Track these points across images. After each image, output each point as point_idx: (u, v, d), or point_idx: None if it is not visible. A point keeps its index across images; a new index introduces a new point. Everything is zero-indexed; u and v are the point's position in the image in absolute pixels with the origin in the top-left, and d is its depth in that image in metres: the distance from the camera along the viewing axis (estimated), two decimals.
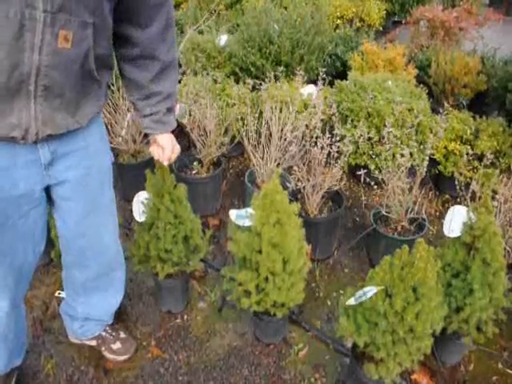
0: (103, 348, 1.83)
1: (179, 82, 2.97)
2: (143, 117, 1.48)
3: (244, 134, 2.39)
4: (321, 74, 2.64)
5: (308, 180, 2.22)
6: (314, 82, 2.84)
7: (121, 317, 2.00)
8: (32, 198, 1.31)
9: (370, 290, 1.39)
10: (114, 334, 1.85)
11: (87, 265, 1.58)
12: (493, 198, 1.92)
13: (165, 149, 1.52)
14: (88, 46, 1.15)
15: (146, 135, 2.67)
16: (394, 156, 2.21)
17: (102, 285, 1.67)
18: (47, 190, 1.37)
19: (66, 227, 1.47)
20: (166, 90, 1.44)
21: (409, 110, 2.60)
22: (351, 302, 1.45)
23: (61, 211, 1.44)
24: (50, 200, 1.42)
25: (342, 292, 2.13)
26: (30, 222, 1.35)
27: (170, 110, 1.49)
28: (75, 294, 1.70)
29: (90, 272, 1.61)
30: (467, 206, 1.77)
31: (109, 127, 2.57)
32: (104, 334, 1.83)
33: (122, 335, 1.86)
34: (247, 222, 1.66)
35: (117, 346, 1.83)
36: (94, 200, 1.46)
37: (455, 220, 1.67)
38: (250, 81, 2.76)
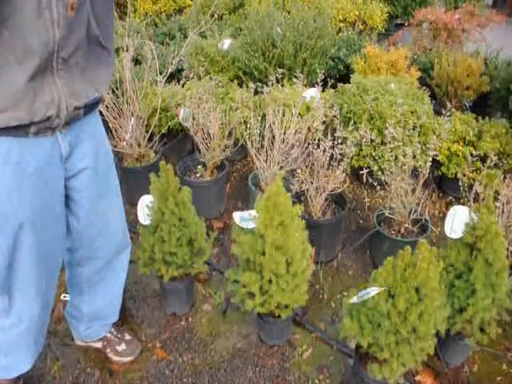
0: (108, 350, 1.84)
1: (182, 86, 3.00)
2: None
3: (247, 137, 2.40)
4: (320, 76, 2.65)
5: (311, 182, 2.23)
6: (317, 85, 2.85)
7: (126, 319, 2.02)
8: (60, 197, 1.36)
9: (373, 290, 1.40)
10: (119, 335, 1.86)
11: (96, 256, 1.61)
12: (496, 199, 1.92)
13: None
14: (87, 10, 1.19)
15: (150, 139, 2.70)
16: (396, 158, 2.22)
17: (105, 274, 1.69)
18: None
19: (77, 220, 1.50)
20: None
21: (411, 112, 2.60)
22: (354, 300, 1.46)
23: (73, 204, 1.46)
24: None
25: (345, 294, 2.13)
26: (59, 225, 1.39)
27: None
28: (80, 294, 1.72)
29: (98, 263, 1.63)
30: (470, 207, 1.77)
31: (113, 131, 2.59)
32: (109, 335, 1.85)
33: (127, 337, 1.88)
34: (251, 225, 1.68)
35: (122, 347, 1.84)
36: (104, 185, 1.50)
37: (456, 221, 1.67)
38: (252, 84, 2.77)
